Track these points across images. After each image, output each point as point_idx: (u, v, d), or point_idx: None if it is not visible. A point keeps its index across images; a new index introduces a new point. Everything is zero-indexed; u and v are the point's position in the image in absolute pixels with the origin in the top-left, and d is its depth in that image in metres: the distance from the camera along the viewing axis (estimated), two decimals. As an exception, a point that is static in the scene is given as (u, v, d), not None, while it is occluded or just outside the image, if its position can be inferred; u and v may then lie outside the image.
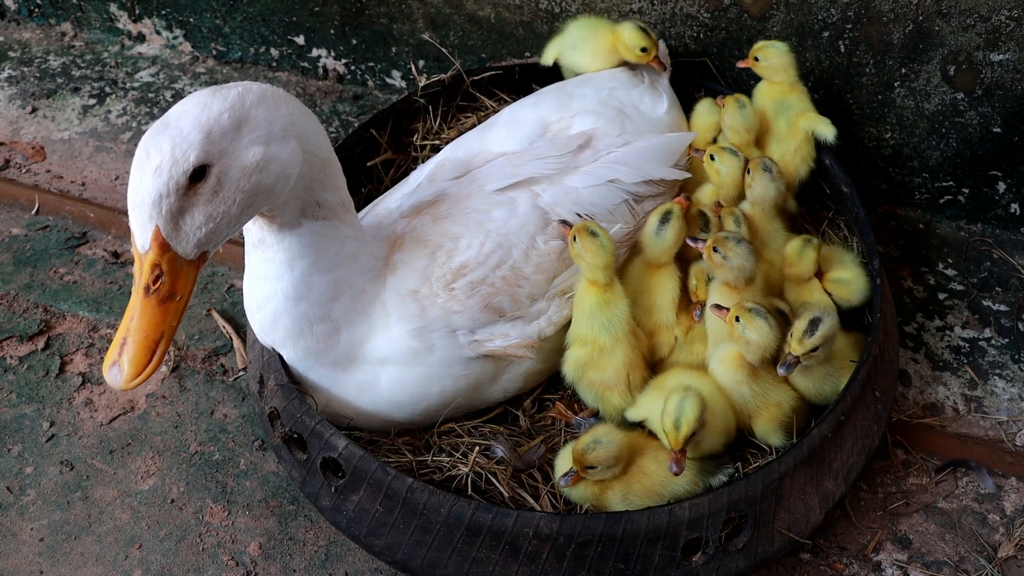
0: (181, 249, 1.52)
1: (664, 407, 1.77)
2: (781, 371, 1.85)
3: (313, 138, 1.68)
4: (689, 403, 1.75)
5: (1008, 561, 1.94)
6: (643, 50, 2.31)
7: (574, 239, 1.91)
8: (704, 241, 1.97)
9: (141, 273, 1.51)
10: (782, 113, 2.28)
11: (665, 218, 2.01)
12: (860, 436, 1.90)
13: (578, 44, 2.40)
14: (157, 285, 1.52)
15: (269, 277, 1.79)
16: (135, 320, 1.52)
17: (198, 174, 1.50)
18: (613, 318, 1.91)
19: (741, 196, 2.18)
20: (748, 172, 2.14)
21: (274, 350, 1.89)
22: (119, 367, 1.51)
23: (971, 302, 2.43)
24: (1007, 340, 2.34)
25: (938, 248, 2.56)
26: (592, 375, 1.94)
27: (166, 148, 1.48)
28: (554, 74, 2.46)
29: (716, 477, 1.86)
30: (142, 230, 1.50)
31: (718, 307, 1.91)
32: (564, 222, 1.96)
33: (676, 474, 1.75)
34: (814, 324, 1.84)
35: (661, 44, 2.46)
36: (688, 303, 2.07)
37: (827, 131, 2.23)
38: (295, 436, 1.83)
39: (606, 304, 1.91)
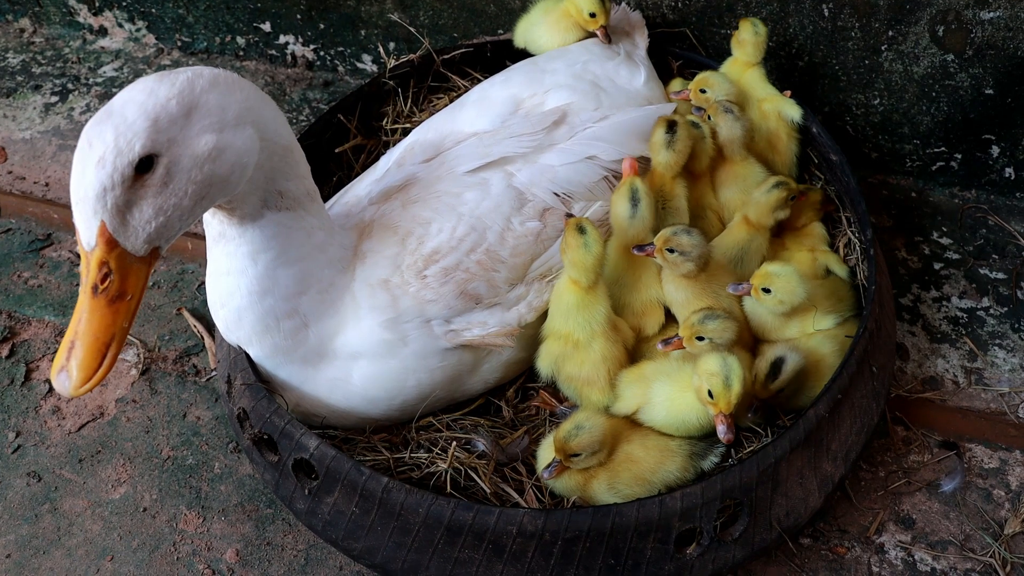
0: (130, 245, 1.44)
1: (703, 368, 1.67)
2: (749, 416, 1.82)
3: (272, 124, 1.60)
4: (733, 360, 1.67)
5: (1015, 538, 1.87)
6: (591, 15, 2.22)
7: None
8: (651, 245, 1.84)
9: (88, 272, 1.43)
10: (750, 106, 2.21)
11: (634, 197, 1.87)
12: (859, 414, 1.82)
13: (536, 22, 2.32)
14: (105, 284, 1.43)
15: (232, 272, 1.70)
16: (83, 322, 1.44)
17: (145, 165, 1.41)
18: (591, 318, 1.81)
19: (686, 164, 2.04)
20: (709, 118, 2.06)
21: (240, 348, 1.81)
22: (67, 372, 1.43)
23: (968, 271, 2.36)
24: (1006, 309, 2.27)
25: (932, 216, 2.48)
26: (569, 370, 1.85)
27: (109, 138, 1.39)
28: (528, 51, 2.37)
29: (707, 459, 1.79)
30: (87, 226, 1.41)
31: (666, 342, 1.81)
32: (568, 215, 1.86)
33: (728, 442, 1.69)
34: (776, 366, 1.79)
35: (636, 14, 2.37)
36: None
37: (793, 111, 2.17)
38: (265, 437, 1.75)
39: (585, 306, 1.81)
